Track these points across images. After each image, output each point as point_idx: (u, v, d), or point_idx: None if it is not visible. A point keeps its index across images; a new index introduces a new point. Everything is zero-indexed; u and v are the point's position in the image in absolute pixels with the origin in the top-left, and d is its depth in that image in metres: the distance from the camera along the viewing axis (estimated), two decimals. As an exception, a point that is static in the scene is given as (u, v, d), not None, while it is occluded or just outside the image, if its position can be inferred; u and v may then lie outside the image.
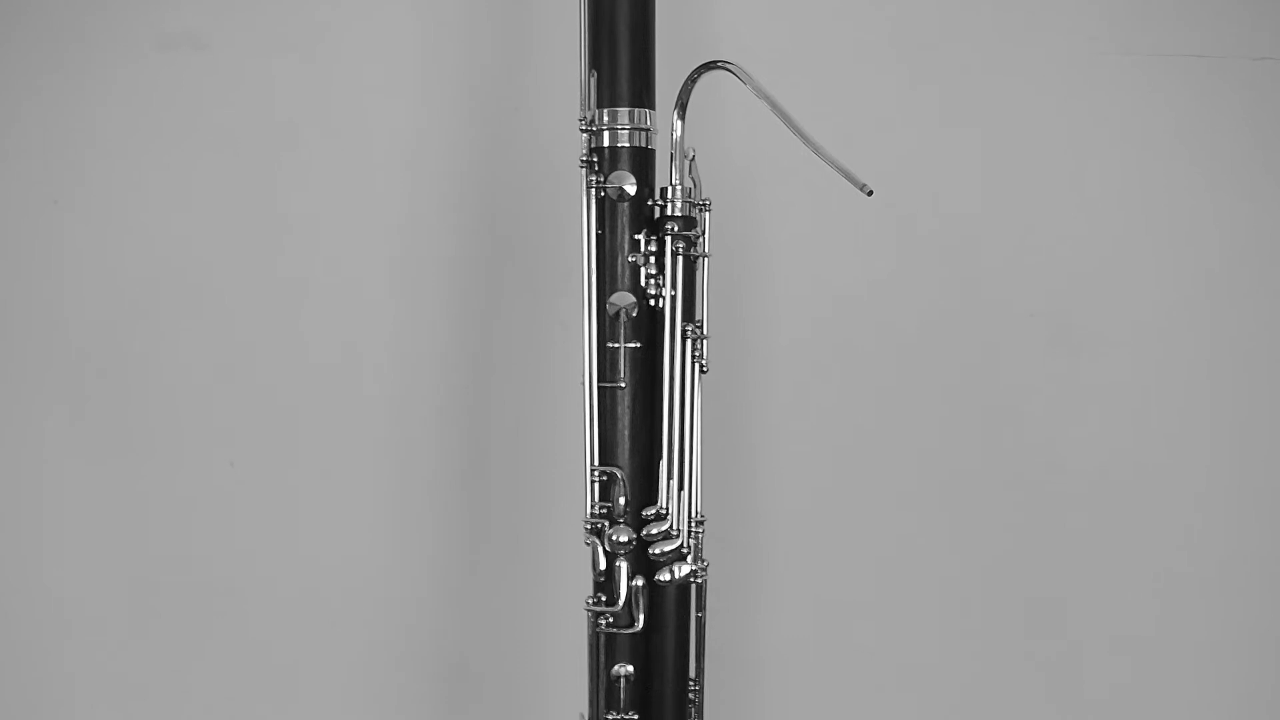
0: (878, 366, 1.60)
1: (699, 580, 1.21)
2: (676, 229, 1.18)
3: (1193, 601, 1.63)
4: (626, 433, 1.19)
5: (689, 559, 1.19)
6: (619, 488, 1.19)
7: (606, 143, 1.18)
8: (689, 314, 1.20)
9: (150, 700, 1.58)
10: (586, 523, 1.19)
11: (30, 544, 1.56)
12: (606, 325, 1.18)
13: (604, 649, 1.19)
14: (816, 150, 1.13)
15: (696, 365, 1.20)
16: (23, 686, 1.57)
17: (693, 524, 1.20)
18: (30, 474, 1.56)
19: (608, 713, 1.19)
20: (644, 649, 1.19)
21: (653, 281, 1.18)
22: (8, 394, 1.55)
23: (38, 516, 1.56)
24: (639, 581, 1.18)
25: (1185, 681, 1.64)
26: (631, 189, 1.18)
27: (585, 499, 1.19)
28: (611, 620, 1.19)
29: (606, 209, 1.18)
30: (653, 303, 1.18)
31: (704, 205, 1.20)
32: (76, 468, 1.55)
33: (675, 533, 1.18)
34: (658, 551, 1.18)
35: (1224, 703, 1.64)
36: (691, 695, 1.22)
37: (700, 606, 1.21)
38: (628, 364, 1.18)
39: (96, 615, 1.56)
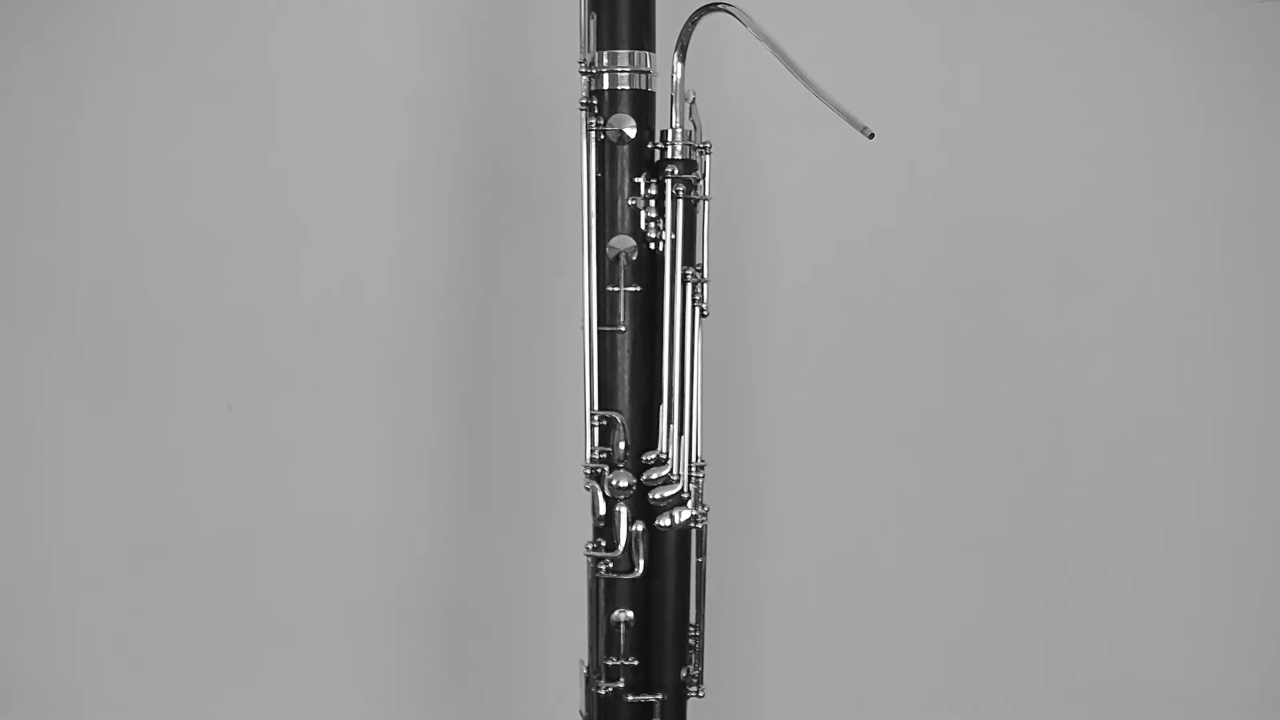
0: (879, 311, 1.59)
1: (699, 525, 1.20)
2: (677, 172, 1.17)
3: (1195, 545, 1.64)
4: (626, 377, 1.18)
5: (689, 504, 1.19)
6: (619, 432, 1.18)
7: (606, 85, 1.17)
8: (689, 258, 1.19)
9: (150, 644, 1.58)
10: (586, 468, 1.18)
11: (28, 490, 1.56)
12: (606, 269, 1.18)
13: (604, 594, 1.19)
14: (817, 93, 1.12)
15: (697, 309, 1.19)
16: (22, 631, 1.58)
17: (693, 469, 1.19)
18: (28, 420, 1.56)
19: (608, 658, 1.19)
20: (644, 594, 1.19)
21: (653, 225, 1.17)
22: (4, 340, 1.55)
23: (37, 463, 1.56)
24: (639, 527, 1.18)
25: (1186, 627, 1.65)
26: (631, 132, 1.17)
27: (585, 444, 1.18)
28: (611, 566, 1.18)
29: (606, 152, 1.17)
30: (653, 246, 1.18)
31: (704, 148, 1.19)
32: (74, 413, 1.55)
33: (675, 478, 1.18)
34: (658, 496, 1.18)
35: (1223, 648, 1.65)
36: (692, 640, 1.22)
37: (700, 551, 1.21)
38: (627, 308, 1.17)
39: (95, 561, 1.57)
